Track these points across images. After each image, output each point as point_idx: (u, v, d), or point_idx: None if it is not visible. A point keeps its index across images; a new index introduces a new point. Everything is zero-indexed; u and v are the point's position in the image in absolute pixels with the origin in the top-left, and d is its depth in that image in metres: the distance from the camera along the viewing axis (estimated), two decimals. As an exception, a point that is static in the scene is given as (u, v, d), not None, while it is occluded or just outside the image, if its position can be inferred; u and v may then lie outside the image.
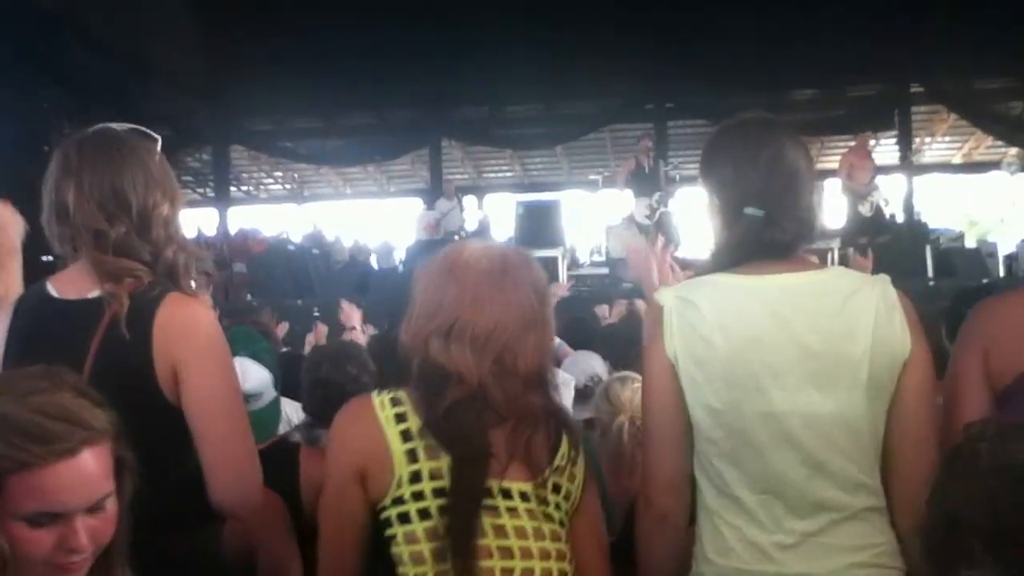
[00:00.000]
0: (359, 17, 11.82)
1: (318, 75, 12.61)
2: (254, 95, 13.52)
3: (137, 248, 1.81)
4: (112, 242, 1.79)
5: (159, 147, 1.90)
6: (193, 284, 1.88)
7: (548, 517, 1.66)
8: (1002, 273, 10.69)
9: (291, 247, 13.55)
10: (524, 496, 1.64)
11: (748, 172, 1.76)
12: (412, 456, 1.61)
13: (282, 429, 2.94)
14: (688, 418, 1.72)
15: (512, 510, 1.63)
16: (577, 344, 4.51)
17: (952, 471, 1.19)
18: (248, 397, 2.33)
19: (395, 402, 1.65)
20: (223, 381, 1.79)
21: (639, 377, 2.12)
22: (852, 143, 11.58)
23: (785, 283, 1.70)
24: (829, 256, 9.57)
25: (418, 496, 1.60)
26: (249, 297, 11.66)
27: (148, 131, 1.91)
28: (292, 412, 3.03)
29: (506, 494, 1.63)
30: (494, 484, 1.62)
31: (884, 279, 1.72)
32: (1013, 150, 14.50)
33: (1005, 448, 1.14)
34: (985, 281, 7.02)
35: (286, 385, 2.82)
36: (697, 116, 14.07)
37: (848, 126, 14.14)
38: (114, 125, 1.89)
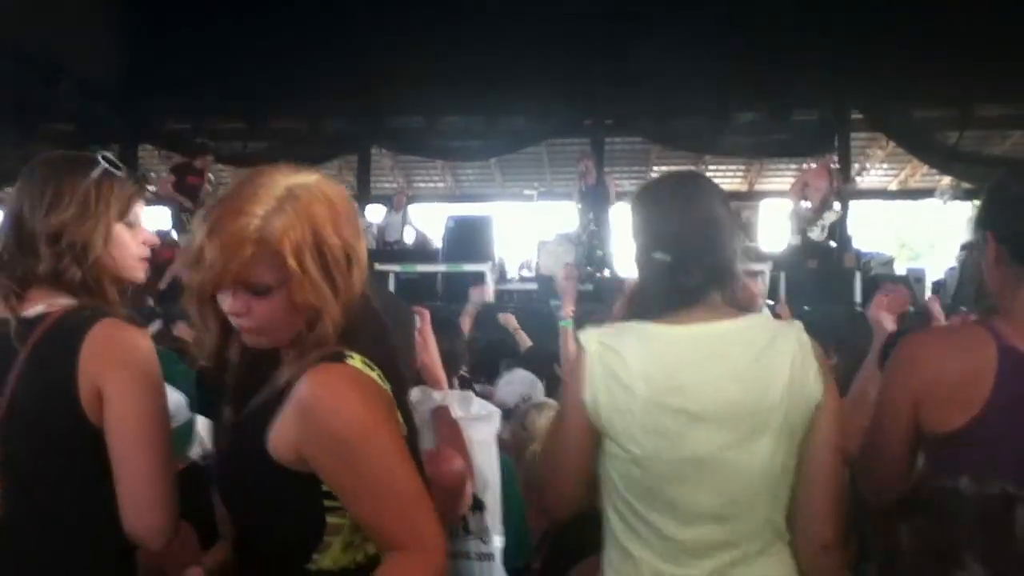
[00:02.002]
0: (288, 17, 11.71)
1: (241, 75, 12.41)
2: (166, 89, 13.24)
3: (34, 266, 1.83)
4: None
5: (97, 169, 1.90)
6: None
7: None
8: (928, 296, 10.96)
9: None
10: None
11: (658, 217, 1.87)
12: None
13: (200, 449, 2.89)
14: (591, 458, 1.83)
15: None
16: (492, 367, 4.50)
17: (937, 509, 1.26)
18: None
19: (368, 364, 1.62)
20: (150, 406, 1.78)
21: (556, 405, 2.24)
22: (792, 166, 11.83)
23: (706, 332, 1.79)
24: (760, 279, 9.73)
25: None
26: (150, 302, 11.36)
27: (86, 155, 1.92)
28: (207, 431, 2.98)
29: None
30: None
31: (798, 326, 1.83)
32: (947, 179, 14.98)
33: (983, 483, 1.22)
34: (912, 309, 7.19)
35: (204, 402, 2.76)
36: (636, 134, 14.23)
37: (788, 150, 14.46)
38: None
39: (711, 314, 1.81)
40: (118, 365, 1.74)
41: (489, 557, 2.48)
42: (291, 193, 1.56)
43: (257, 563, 1.69)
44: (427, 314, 2.48)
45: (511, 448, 3.12)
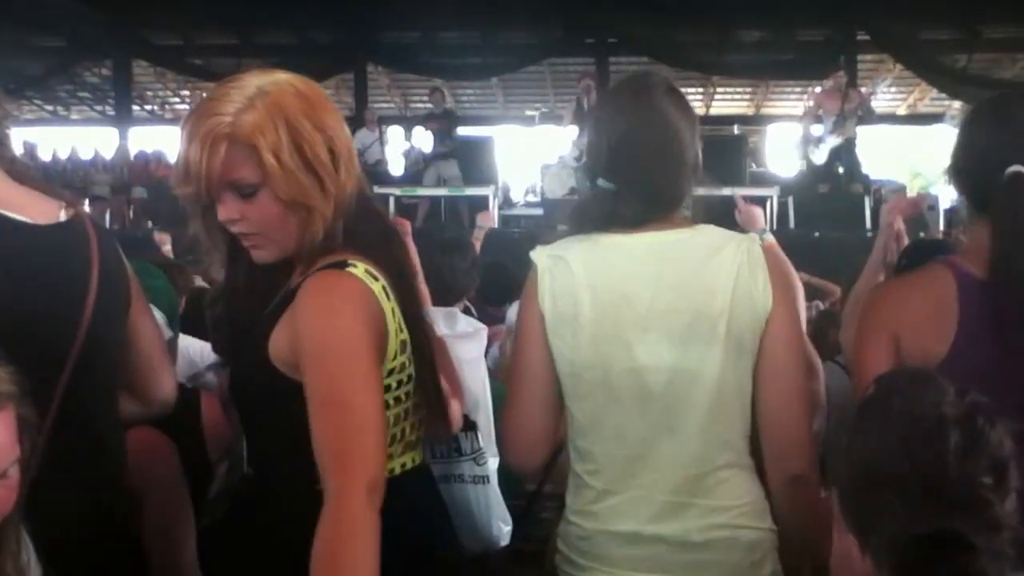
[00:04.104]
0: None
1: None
2: (159, 5, 13.01)
3: None
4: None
5: None
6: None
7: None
8: (942, 227, 10.92)
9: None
10: None
11: (604, 139, 1.79)
12: (400, 328, 1.63)
13: (188, 370, 2.86)
14: (553, 375, 1.78)
15: None
16: (495, 292, 4.45)
17: (864, 425, 1.22)
18: None
19: (373, 275, 1.60)
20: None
21: None
22: (798, 90, 11.68)
23: (653, 240, 1.76)
24: (767, 204, 9.68)
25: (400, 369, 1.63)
26: (150, 224, 11.35)
27: None
28: (197, 353, 2.94)
29: None
30: None
31: (752, 238, 1.80)
32: (957, 104, 14.82)
33: (916, 399, 1.19)
34: (922, 235, 7.14)
35: (196, 323, 2.72)
36: (640, 53, 14.01)
37: (793, 71, 14.27)
38: None
39: (663, 224, 1.77)
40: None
41: (484, 480, 2.43)
42: (261, 90, 1.57)
43: (269, 478, 1.69)
44: (408, 225, 2.39)
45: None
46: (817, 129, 10.58)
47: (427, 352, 1.72)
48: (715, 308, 1.70)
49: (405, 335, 1.63)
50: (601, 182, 1.78)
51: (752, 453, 1.77)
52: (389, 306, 1.59)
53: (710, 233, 1.79)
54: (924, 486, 1.12)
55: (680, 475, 1.71)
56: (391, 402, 1.61)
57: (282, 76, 1.62)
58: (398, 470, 1.63)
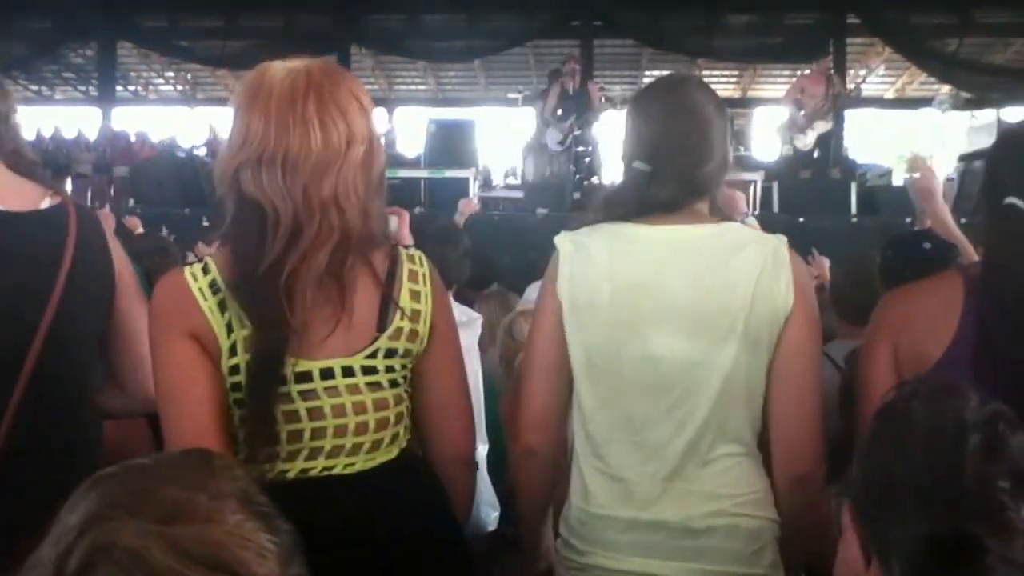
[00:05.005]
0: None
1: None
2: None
3: None
4: None
5: None
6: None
7: (375, 387, 1.60)
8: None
9: (181, 153, 13.09)
10: (347, 372, 1.57)
11: (642, 124, 1.87)
12: (229, 327, 1.53)
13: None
14: (566, 359, 1.82)
15: (331, 389, 1.56)
16: (478, 278, 4.42)
17: (883, 432, 1.22)
18: None
19: (206, 270, 1.56)
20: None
21: None
22: (786, 73, 11.62)
23: (678, 235, 1.80)
24: (751, 188, 9.64)
25: (234, 370, 1.53)
26: (132, 203, 11.25)
27: None
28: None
29: (325, 374, 1.56)
30: (307, 364, 1.54)
31: (782, 239, 1.81)
32: (945, 88, 14.77)
33: (938, 407, 1.18)
34: (908, 220, 7.11)
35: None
36: (626, 36, 13.94)
37: (783, 55, 14.21)
38: None
39: (689, 219, 1.82)
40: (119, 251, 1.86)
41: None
42: None
43: None
44: (406, 215, 2.38)
45: (502, 360, 3.10)
46: (800, 114, 10.51)
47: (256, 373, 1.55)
48: (735, 304, 1.73)
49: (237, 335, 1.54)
50: (637, 164, 1.83)
51: (759, 446, 1.81)
52: (207, 304, 1.53)
53: (736, 231, 1.84)
54: (941, 488, 1.12)
55: (683, 463, 1.74)
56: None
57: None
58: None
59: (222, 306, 1.52)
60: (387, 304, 1.60)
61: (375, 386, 1.59)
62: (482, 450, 2.51)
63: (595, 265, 1.79)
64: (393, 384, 1.62)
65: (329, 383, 1.56)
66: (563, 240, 1.86)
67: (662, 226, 1.80)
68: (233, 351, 1.52)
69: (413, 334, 1.63)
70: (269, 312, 1.50)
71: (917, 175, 2.92)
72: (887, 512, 1.16)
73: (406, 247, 1.72)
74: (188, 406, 1.52)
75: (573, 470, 1.85)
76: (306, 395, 1.55)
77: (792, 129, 10.55)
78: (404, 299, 1.62)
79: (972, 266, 1.80)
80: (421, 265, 1.69)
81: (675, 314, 1.74)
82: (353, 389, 1.57)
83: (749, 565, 1.75)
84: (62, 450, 1.69)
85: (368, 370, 1.59)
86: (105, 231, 1.80)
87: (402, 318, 1.61)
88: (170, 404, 1.54)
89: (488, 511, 2.53)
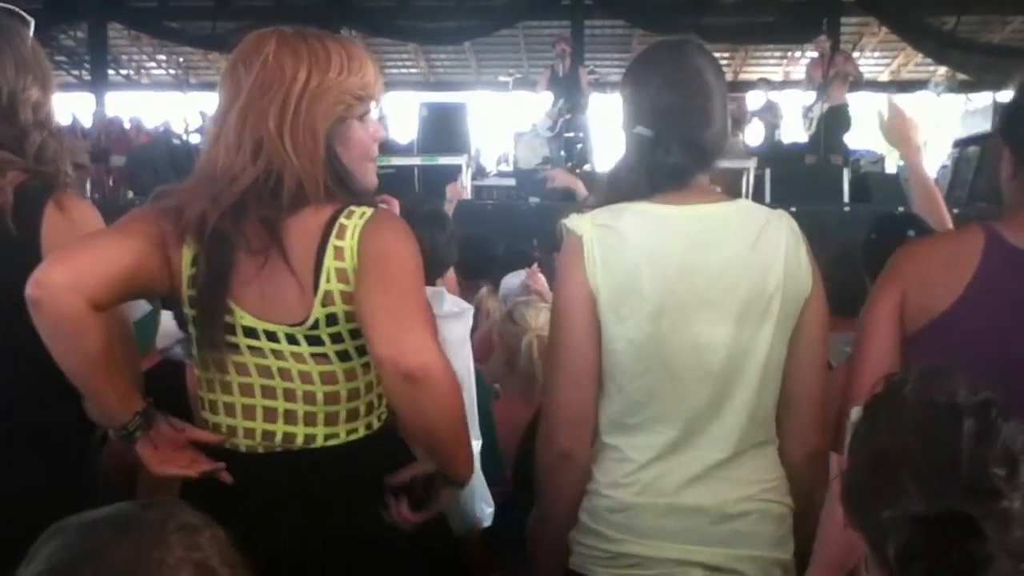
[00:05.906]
0: None
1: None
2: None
3: (2, 135, 1.80)
4: None
5: (32, 29, 1.91)
6: (71, 172, 1.94)
7: (321, 358, 1.62)
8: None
9: (176, 140, 13.00)
10: (291, 339, 1.61)
11: (643, 89, 1.79)
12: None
13: (168, 342, 2.83)
14: (599, 352, 1.72)
15: (278, 352, 1.61)
16: (473, 267, 4.37)
17: (877, 415, 1.22)
18: None
19: None
20: None
21: (544, 304, 2.26)
22: (778, 55, 11.52)
23: (701, 214, 1.73)
24: (744, 176, 9.56)
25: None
26: (131, 195, 11.17)
27: (20, 12, 1.93)
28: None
29: (250, 333, 1.61)
30: (244, 319, 1.61)
31: (787, 215, 1.79)
32: (942, 70, 14.65)
33: (931, 389, 1.19)
34: (901, 210, 7.03)
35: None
36: (617, 16, 13.83)
37: (774, 35, 14.09)
38: None
39: (702, 197, 1.76)
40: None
41: None
42: None
43: None
44: (395, 203, 2.34)
45: (501, 351, 3.06)
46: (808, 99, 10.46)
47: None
48: (770, 285, 1.70)
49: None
50: (639, 129, 1.75)
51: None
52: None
53: (751, 207, 1.81)
54: (936, 468, 1.12)
55: (722, 450, 1.73)
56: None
57: None
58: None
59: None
60: (319, 268, 1.59)
61: (321, 357, 1.61)
62: (476, 446, 2.47)
63: (631, 248, 1.68)
64: (343, 357, 1.62)
65: (274, 346, 1.60)
66: (582, 224, 1.72)
67: (684, 206, 1.73)
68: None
69: (346, 295, 1.59)
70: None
71: (886, 115, 2.80)
72: (879, 489, 1.16)
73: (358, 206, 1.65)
74: None
75: (599, 459, 1.77)
76: (255, 351, 1.61)
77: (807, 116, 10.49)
78: (328, 260, 1.58)
79: (1000, 222, 1.71)
80: (358, 218, 1.62)
81: (718, 298, 1.69)
82: (298, 358, 1.60)
83: (779, 550, 1.75)
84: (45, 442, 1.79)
85: (313, 340, 1.60)
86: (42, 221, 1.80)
87: (328, 280, 1.58)
88: None
89: (482, 507, 2.50)
